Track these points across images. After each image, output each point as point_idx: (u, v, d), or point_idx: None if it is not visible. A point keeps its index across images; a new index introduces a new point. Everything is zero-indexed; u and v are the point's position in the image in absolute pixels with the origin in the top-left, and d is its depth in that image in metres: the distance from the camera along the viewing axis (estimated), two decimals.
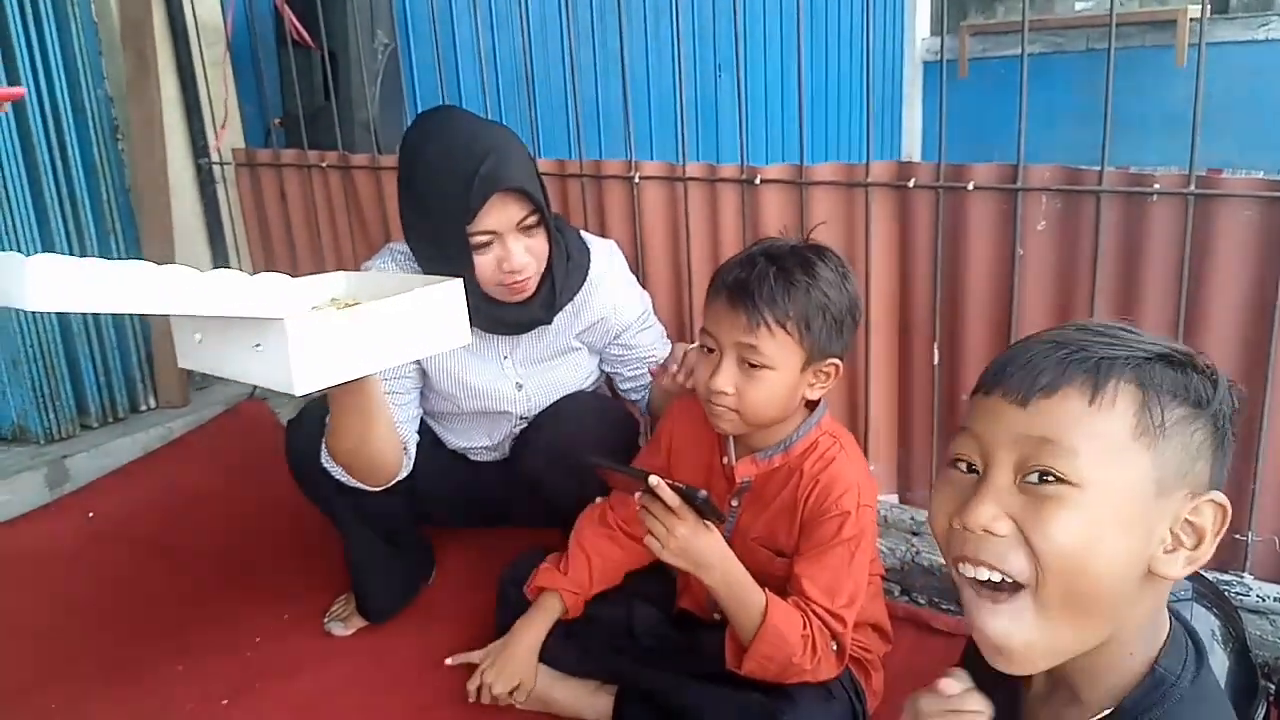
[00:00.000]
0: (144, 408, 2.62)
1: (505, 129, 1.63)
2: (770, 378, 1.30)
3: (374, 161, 2.43)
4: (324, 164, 2.52)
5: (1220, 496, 0.71)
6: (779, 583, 1.37)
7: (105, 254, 2.47)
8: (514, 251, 1.55)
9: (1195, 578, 1.31)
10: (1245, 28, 4.28)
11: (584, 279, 1.71)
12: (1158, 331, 0.77)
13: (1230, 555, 1.58)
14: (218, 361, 1.14)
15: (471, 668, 1.57)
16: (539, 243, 1.59)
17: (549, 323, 1.68)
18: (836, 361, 1.35)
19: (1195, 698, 0.73)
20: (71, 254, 2.40)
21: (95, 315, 2.45)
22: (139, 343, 2.60)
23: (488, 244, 1.55)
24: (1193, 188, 1.47)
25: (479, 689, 1.53)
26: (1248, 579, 1.57)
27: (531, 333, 1.71)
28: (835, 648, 1.33)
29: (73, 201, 2.40)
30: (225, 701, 1.63)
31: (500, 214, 1.53)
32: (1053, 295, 1.65)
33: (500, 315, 1.64)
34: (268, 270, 2.76)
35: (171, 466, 2.46)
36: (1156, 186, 1.51)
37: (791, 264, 1.30)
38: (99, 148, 2.44)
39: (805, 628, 1.30)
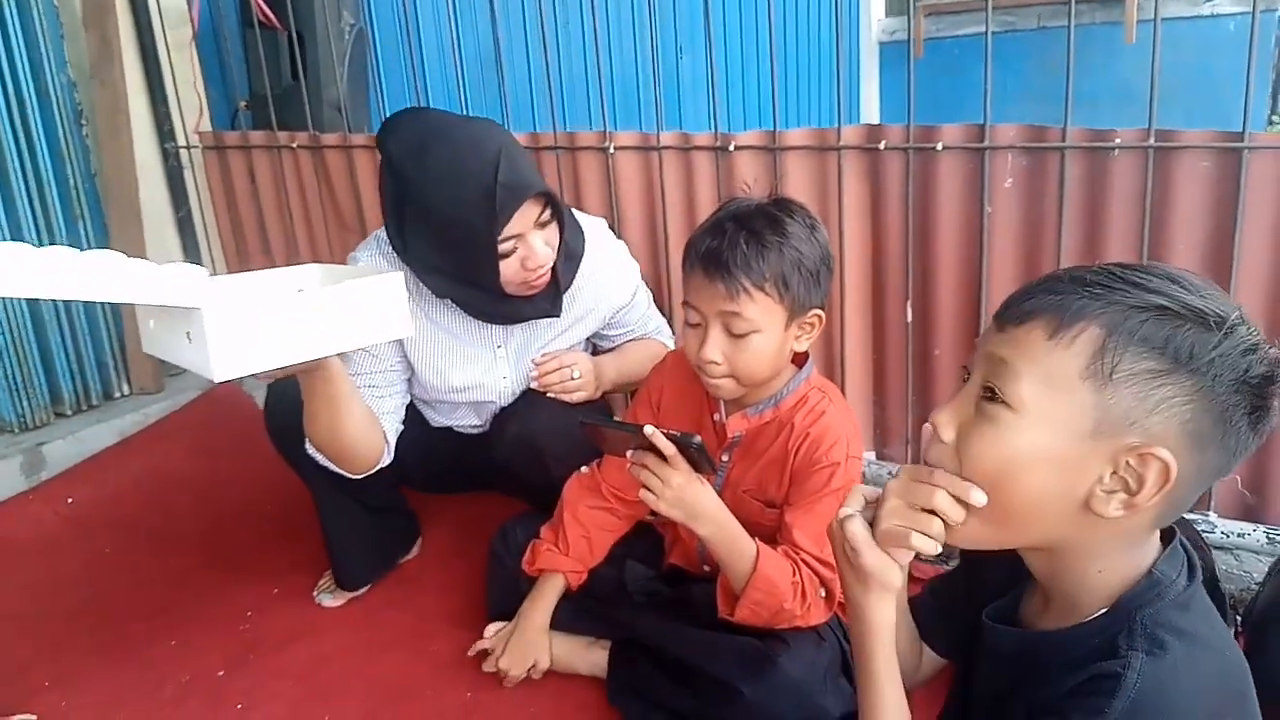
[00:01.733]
0: (118, 394, 2.61)
1: (487, 121, 1.62)
2: (757, 340, 1.32)
3: (345, 141, 2.43)
4: (294, 145, 2.51)
5: (1165, 454, 0.71)
6: (769, 533, 1.41)
7: (74, 241, 2.45)
8: (536, 249, 1.56)
9: None
10: (1191, 3, 4.38)
11: (578, 267, 1.71)
12: None
13: None
14: (166, 348, 1.18)
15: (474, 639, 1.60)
16: (553, 233, 1.60)
17: (558, 315, 1.69)
18: (818, 311, 1.38)
19: (1186, 601, 0.78)
20: (39, 242, 2.37)
21: (67, 302, 2.43)
22: (111, 329, 2.57)
23: (513, 249, 1.55)
24: (1152, 141, 1.53)
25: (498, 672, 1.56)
26: (1212, 516, 1.64)
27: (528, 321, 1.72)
28: (824, 594, 1.36)
29: (39, 187, 2.37)
30: (221, 673, 1.64)
31: (524, 217, 1.53)
32: (1021, 249, 1.70)
33: (514, 311, 1.65)
34: (239, 253, 2.76)
35: (149, 452, 2.45)
36: (1118, 141, 1.57)
37: (760, 225, 1.31)
38: (64, 133, 2.41)
39: (795, 575, 1.34)
